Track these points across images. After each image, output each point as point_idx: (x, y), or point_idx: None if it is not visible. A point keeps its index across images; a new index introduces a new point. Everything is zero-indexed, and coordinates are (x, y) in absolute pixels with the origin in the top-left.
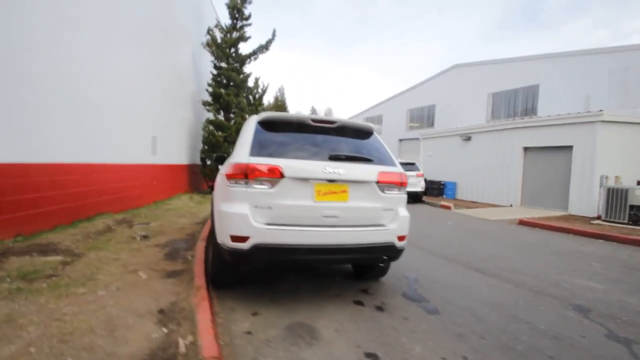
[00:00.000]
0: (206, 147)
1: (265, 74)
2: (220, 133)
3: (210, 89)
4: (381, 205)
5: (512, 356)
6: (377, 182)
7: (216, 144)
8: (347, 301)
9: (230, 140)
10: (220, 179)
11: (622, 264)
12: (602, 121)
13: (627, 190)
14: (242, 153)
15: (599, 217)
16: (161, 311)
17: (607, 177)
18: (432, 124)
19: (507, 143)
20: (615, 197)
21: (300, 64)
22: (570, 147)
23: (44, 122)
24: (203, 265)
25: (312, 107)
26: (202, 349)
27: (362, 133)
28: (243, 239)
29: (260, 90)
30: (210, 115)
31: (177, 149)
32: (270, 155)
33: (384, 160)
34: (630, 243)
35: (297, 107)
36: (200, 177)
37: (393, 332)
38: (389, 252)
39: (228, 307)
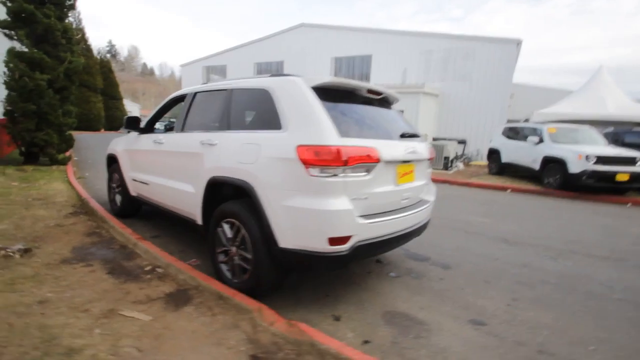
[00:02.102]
0: (14, 95)
1: None
2: (40, 75)
3: (9, 3)
4: (426, 181)
5: (526, 284)
6: (428, 159)
7: (35, 90)
8: (384, 277)
9: (58, 86)
10: (278, 165)
11: (477, 201)
12: (423, 92)
13: (443, 145)
14: (324, 132)
15: None
16: (256, 357)
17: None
18: None
19: None
20: (436, 150)
21: None
22: (401, 111)
23: None
24: (214, 276)
25: (110, 41)
26: None
27: (389, 103)
28: (344, 240)
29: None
30: (16, 45)
31: None
32: (357, 134)
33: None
34: (464, 185)
35: (94, 41)
36: None
37: (453, 294)
38: (427, 225)
39: (301, 319)
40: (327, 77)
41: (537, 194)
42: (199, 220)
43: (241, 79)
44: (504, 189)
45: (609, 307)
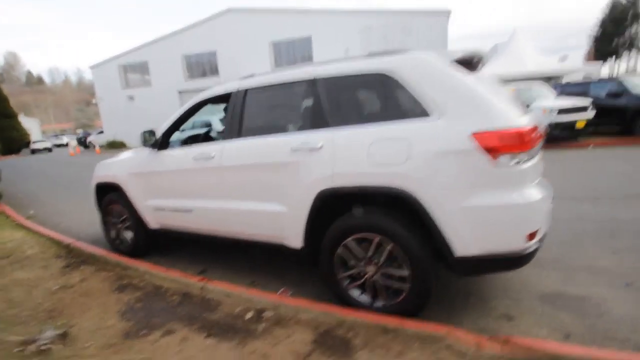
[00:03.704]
0: None
1: None
2: None
3: None
4: None
5: (606, 236)
6: None
7: None
8: None
9: None
10: (446, 160)
11: None
12: None
13: None
14: (501, 112)
15: None
16: None
17: None
18: (216, 72)
19: None
20: None
21: None
22: None
23: None
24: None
25: None
26: None
27: None
28: (537, 233)
29: None
30: None
31: None
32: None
33: None
34: None
35: None
36: None
37: (567, 261)
38: None
39: (476, 329)
40: (470, 50)
41: None
42: (297, 243)
43: (323, 64)
44: None
45: None
